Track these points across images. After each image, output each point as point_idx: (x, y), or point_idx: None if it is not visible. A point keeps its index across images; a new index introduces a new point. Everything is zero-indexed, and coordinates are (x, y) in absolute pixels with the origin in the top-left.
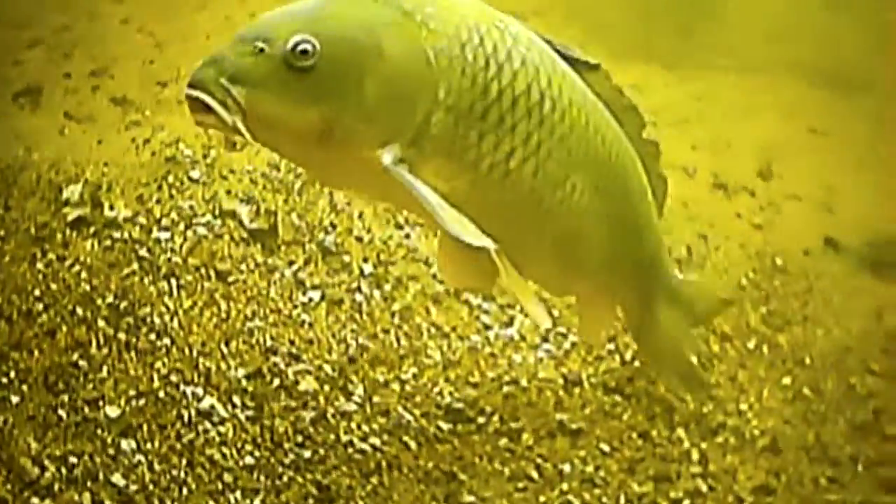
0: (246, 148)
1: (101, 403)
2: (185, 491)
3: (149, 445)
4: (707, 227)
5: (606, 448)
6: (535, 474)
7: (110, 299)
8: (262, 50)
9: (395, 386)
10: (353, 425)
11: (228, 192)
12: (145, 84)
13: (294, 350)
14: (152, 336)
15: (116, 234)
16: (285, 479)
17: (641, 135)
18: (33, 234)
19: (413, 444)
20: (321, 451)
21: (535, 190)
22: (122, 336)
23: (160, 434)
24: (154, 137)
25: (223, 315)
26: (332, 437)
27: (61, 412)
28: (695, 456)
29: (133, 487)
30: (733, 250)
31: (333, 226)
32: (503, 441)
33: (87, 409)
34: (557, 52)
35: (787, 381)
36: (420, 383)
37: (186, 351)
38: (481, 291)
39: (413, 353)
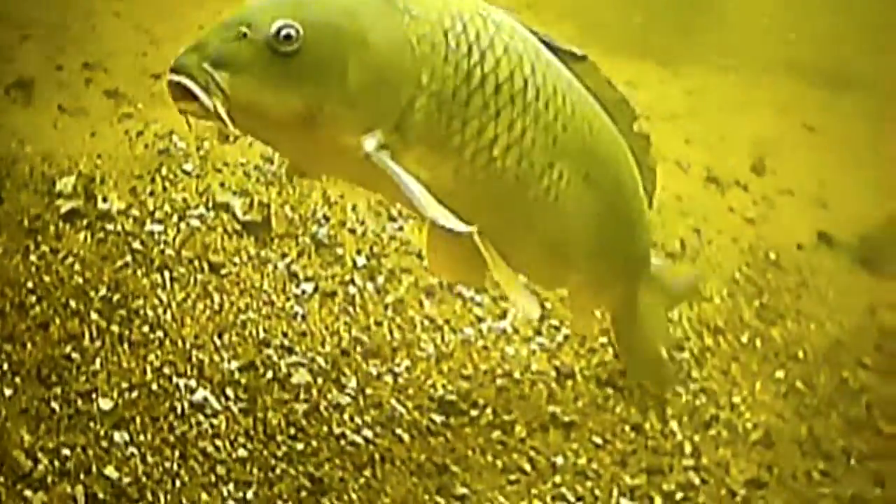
0: (239, 140)
1: (93, 396)
2: (177, 483)
3: (142, 438)
4: (701, 221)
5: (599, 441)
6: (527, 467)
7: (103, 292)
8: (245, 35)
9: (388, 378)
10: (346, 418)
11: (222, 185)
12: (138, 77)
13: (287, 342)
14: (145, 328)
15: (109, 227)
16: (278, 471)
17: (632, 128)
18: (26, 227)
19: (406, 437)
20: (314, 444)
21: (520, 178)
22: (115, 328)
23: (153, 426)
24: (147, 130)
25: (216, 307)
26: (325, 429)
27: (54, 405)
28: (687, 449)
29: (126, 480)
30: (726, 244)
31: (326, 218)
32: (496, 434)
33: (79, 402)
34: (542, 42)
35: (779, 374)
36: (413, 376)
37: (179, 343)
38: (471, 285)
39: (406, 345)
